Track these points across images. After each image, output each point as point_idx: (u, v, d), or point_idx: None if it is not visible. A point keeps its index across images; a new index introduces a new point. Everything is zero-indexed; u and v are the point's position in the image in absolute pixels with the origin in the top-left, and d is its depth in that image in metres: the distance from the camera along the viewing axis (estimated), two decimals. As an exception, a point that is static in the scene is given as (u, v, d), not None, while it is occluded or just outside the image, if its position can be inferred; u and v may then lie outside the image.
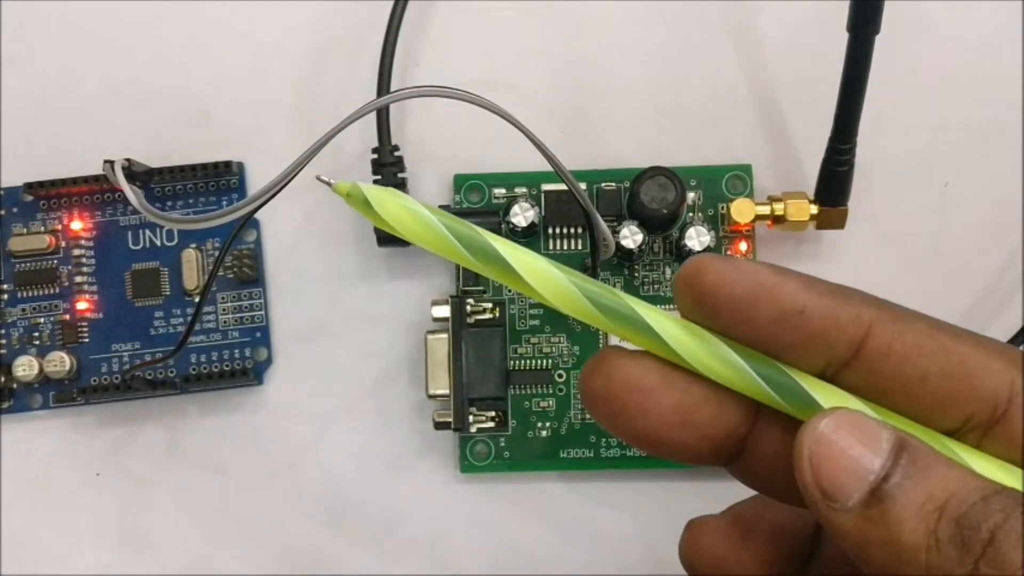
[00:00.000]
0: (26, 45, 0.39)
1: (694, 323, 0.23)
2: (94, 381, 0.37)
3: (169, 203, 0.38)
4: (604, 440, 0.36)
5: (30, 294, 0.37)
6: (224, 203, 0.38)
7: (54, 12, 0.39)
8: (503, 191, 0.37)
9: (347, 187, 0.23)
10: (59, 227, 0.38)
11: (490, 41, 0.38)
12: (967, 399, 0.21)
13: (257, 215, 0.36)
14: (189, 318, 0.37)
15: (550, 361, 0.36)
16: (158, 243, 0.38)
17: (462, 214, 0.36)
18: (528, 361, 0.36)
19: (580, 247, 0.37)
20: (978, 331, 0.36)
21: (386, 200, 0.23)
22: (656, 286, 0.36)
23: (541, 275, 0.22)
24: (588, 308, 0.23)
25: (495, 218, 0.36)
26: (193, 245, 0.37)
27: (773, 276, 0.22)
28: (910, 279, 0.37)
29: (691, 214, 0.36)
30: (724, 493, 0.37)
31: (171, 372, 0.37)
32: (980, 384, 0.21)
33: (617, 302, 0.23)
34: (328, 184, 0.23)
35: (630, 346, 0.23)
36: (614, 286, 0.36)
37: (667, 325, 0.22)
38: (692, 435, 0.23)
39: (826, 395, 0.22)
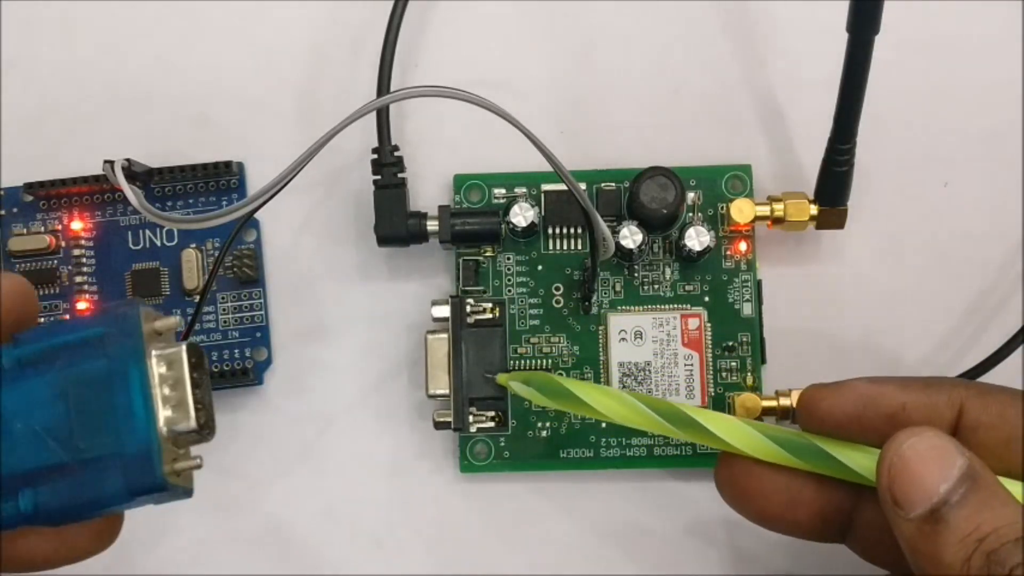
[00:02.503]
0: (27, 45, 0.39)
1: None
2: (94, 381, 0.37)
3: (169, 203, 0.38)
4: (604, 440, 0.36)
5: (30, 294, 0.37)
6: (224, 203, 0.38)
7: (55, 13, 0.39)
8: (503, 191, 0.37)
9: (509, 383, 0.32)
10: (59, 227, 0.38)
11: (490, 41, 0.38)
12: None
13: (257, 215, 0.36)
14: (189, 318, 0.37)
15: (550, 361, 0.36)
16: (158, 243, 0.38)
17: (462, 214, 0.36)
18: (528, 361, 0.36)
19: (580, 247, 0.37)
20: (978, 331, 0.36)
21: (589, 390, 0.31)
22: (656, 286, 0.36)
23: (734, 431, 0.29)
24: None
25: (495, 218, 0.36)
26: (193, 245, 0.37)
27: (871, 387, 0.26)
28: (910, 279, 0.37)
29: (691, 214, 0.36)
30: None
31: (171, 372, 0.37)
32: None
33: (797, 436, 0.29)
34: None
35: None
36: (613, 286, 0.36)
37: (743, 437, 0.29)
38: (803, 512, 0.28)
39: None
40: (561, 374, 0.36)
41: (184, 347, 0.24)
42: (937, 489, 0.23)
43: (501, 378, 0.33)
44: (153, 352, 0.24)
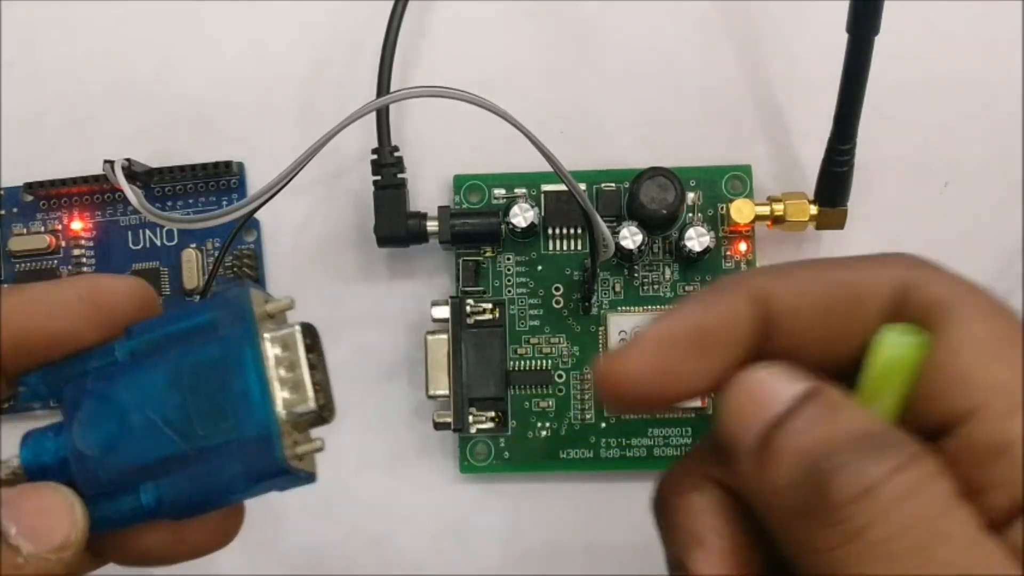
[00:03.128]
0: (28, 45, 0.39)
1: None
2: (94, 381, 0.37)
3: (169, 203, 0.38)
4: (603, 440, 0.36)
5: (30, 294, 0.37)
6: (224, 203, 0.38)
7: (56, 13, 0.39)
8: (503, 191, 0.37)
9: None
10: (59, 227, 0.38)
11: (490, 42, 0.38)
12: (860, 318, 0.21)
13: (257, 215, 0.36)
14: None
15: (550, 362, 0.36)
16: (158, 243, 0.38)
17: (462, 215, 0.36)
18: (528, 362, 0.36)
19: (580, 248, 0.37)
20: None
21: None
22: (655, 287, 0.36)
23: None
24: None
25: (495, 219, 0.36)
26: (193, 245, 0.37)
27: (663, 328, 0.22)
28: (910, 279, 0.37)
29: (691, 214, 0.36)
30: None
31: (171, 372, 0.37)
32: (867, 296, 0.21)
33: None
34: None
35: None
36: (613, 286, 0.36)
37: None
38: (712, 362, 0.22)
39: None
40: (561, 376, 0.36)
41: (298, 328, 0.24)
42: (771, 413, 0.20)
43: None
44: (266, 334, 0.23)
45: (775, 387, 0.21)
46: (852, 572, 0.18)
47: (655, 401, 0.23)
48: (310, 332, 0.24)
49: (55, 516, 0.23)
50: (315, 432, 0.25)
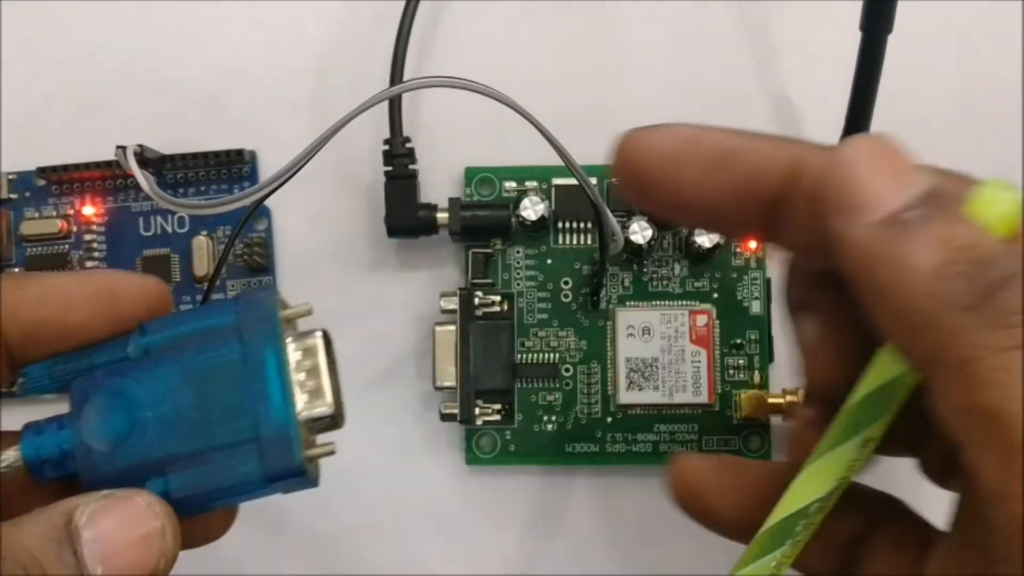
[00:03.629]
0: (42, 30, 0.39)
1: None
2: (103, 366, 0.37)
3: (181, 190, 0.38)
4: (609, 435, 0.36)
5: (41, 278, 0.38)
6: (236, 191, 0.38)
7: (70, -2, 0.39)
8: (513, 184, 0.37)
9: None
10: (71, 212, 0.38)
11: (503, 36, 0.38)
12: None
13: (269, 204, 0.36)
14: (199, 305, 0.37)
15: (557, 355, 0.36)
16: (169, 230, 0.38)
17: (472, 207, 0.36)
18: (535, 355, 0.36)
19: (589, 242, 0.37)
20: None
21: None
22: (665, 282, 0.36)
23: None
24: None
25: (505, 211, 0.36)
26: (204, 233, 0.37)
27: (700, 128, 0.22)
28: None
29: (701, 211, 0.36)
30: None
31: (180, 358, 0.37)
32: None
33: None
34: None
35: None
36: (622, 281, 0.36)
37: None
38: (731, 179, 0.22)
39: None
40: (568, 370, 0.36)
41: (320, 334, 0.24)
42: (903, 194, 0.19)
43: None
44: (289, 338, 0.24)
45: (909, 174, 0.20)
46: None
47: (657, 197, 0.22)
48: (327, 338, 0.25)
49: (145, 546, 0.22)
50: (323, 437, 0.25)
